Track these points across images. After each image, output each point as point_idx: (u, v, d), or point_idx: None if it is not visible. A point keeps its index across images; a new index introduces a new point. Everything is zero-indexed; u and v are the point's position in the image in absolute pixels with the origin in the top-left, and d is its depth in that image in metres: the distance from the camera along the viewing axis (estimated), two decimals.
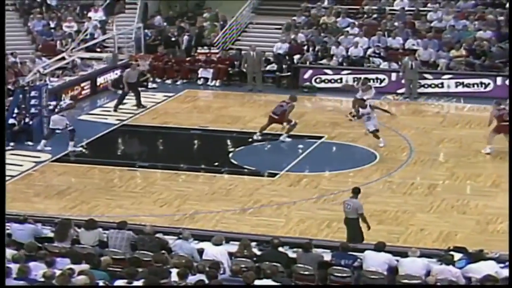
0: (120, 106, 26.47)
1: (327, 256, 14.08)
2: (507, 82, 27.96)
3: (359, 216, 15.85)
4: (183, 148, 23.65)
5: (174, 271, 12.84)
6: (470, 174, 20.26)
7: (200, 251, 14.27)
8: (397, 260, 13.74)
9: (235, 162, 21.64)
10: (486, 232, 16.62)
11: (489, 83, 28.35)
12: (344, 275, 13.67)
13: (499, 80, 28.28)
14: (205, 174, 20.81)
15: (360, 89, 25.66)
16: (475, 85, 28.32)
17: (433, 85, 28.57)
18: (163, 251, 14.01)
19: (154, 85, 29.58)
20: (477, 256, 13.60)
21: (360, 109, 22.63)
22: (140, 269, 12.91)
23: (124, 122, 25.28)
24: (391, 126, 23.89)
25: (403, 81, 28.46)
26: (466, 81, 28.52)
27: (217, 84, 30.13)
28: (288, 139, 23.07)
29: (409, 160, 21.37)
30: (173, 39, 32.31)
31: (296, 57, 30.62)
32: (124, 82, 26.94)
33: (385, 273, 13.64)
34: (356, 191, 16.19)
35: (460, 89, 28.29)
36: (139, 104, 26.84)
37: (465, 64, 29.42)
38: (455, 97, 27.83)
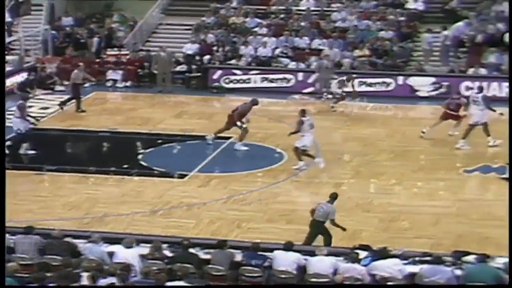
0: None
1: (238, 257, 14.11)
2: (407, 81, 28.56)
3: (327, 221, 15.75)
4: (92, 150, 23.38)
5: (85, 275, 12.70)
6: (374, 173, 20.51)
7: (111, 254, 14.13)
8: (306, 259, 13.84)
9: (145, 164, 21.48)
10: (389, 230, 16.83)
11: (390, 82, 28.92)
12: (255, 275, 13.73)
13: (400, 79, 28.87)
14: (114, 177, 20.54)
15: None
16: (378, 84, 28.84)
17: None
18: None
19: (62, 88, 29.07)
20: (382, 254, 13.83)
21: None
22: (49, 274, 12.72)
23: (31, 126, 24.77)
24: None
25: (317, 81, 28.73)
26: (369, 80, 29.03)
27: (127, 85, 29.91)
28: (244, 148, 22.51)
29: (315, 159, 21.57)
30: (82, 41, 31.91)
31: (206, 57, 30.63)
32: (71, 83, 26.44)
33: (295, 272, 13.76)
34: (333, 197, 16.11)
35: (363, 88, 28.75)
36: (78, 107, 26.39)
37: (368, 63, 29.94)
38: (359, 96, 28.23)
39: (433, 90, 28.67)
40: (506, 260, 13.44)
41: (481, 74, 29.08)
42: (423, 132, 23.31)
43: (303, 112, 20.88)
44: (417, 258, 13.79)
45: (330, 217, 15.69)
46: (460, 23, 31.32)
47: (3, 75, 24.37)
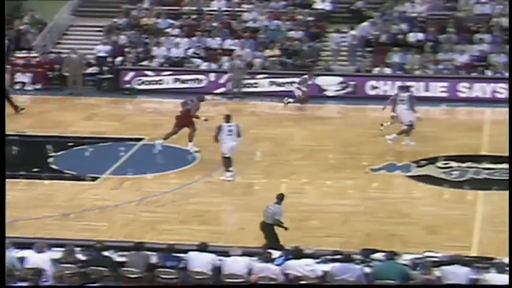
0: None
1: (154, 259, 14.06)
2: (315, 81, 28.84)
3: (274, 222, 15.77)
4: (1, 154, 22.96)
5: None
6: (285, 173, 20.68)
7: (22, 259, 13.89)
8: (220, 260, 13.89)
9: (56, 167, 21.21)
10: (301, 229, 16.93)
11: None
12: (171, 276, 13.74)
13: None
14: (24, 181, 20.22)
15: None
16: (287, 84, 29.12)
17: (248, 85, 29.14)
18: None
19: None
20: (295, 253, 13.99)
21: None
22: None
23: None
24: (209, 126, 24.10)
25: (228, 82, 28.82)
26: (279, 80, 29.27)
27: (37, 88, 29.45)
28: (196, 149, 22.36)
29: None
30: None
31: (118, 59, 30.39)
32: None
33: (210, 273, 13.80)
34: (280, 197, 16.11)
35: (274, 88, 28.98)
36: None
37: (279, 63, 30.19)
38: (269, 96, 28.47)
39: (340, 90, 29.12)
40: (412, 256, 13.80)
41: (385, 73, 29.69)
42: (382, 125, 23.63)
43: (226, 118, 20.39)
44: (328, 257, 13.99)
45: (276, 217, 15.75)
46: (365, 23, 31.91)
47: (3, 75, 24.08)
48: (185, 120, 22.30)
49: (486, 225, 16.98)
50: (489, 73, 29.42)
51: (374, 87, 29.01)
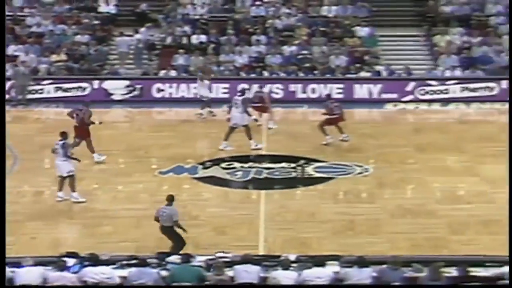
0: None
1: None
2: (103, 85, 28.74)
3: (174, 224, 15.59)
4: None
5: None
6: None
7: None
8: (13, 272, 13.49)
9: None
10: (94, 235, 16.95)
11: (86, 87, 28.97)
12: None
13: (95, 83, 28.99)
14: None
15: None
16: (74, 89, 28.81)
17: (33, 91, 28.56)
18: None
19: None
20: (91, 260, 13.95)
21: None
22: None
23: None
24: None
25: (13, 88, 28.10)
26: (65, 85, 28.89)
27: None
28: (102, 157, 21.77)
29: (14, 168, 21.17)
30: None
31: None
32: None
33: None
34: (170, 199, 15.93)
35: (60, 94, 28.62)
36: None
37: (65, 68, 29.82)
38: (55, 102, 28.01)
39: (127, 93, 29.24)
40: (205, 258, 14.23)
41: (171, 76, 30.15)
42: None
43: (60, 135, 19.21)
44: (124, 262, 14.12)
45: (174, 218, 15.68)
46: (150, 26, 32.16)
47: (3, 76, 23.06)
48: (82, 130, 21.73)
49: (270, 224, 17.66)
50: (266, 74, 30.55)
51: (160, 90, 29.40)
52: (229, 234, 16.91)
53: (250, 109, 23.60)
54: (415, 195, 19.54)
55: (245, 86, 26.94)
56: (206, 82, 27.43)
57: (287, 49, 31.35)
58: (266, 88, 28.09)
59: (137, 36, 31.60)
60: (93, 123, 21.91)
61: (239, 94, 23.88)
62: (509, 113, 26.18)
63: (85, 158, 21.07)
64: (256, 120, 24.29)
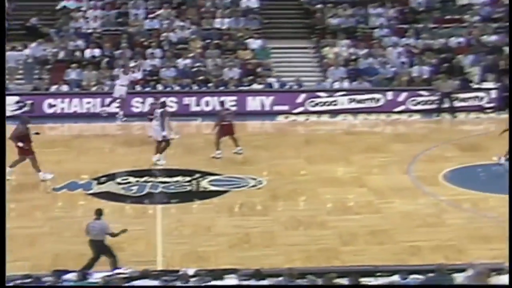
0: None
1: None
2: None
3: (105, 237, 15.30)
4: None
5: None
6: None
7: None
8: None
9: None
10: None
11: None
12: None
13: None
14: None
15: None
16: None
17: None
18: None
19: None
20: None
21: None
22: None
23: None
24: None
25: None
26: None
27: None
28: (49, 176, 21.40)
29: None
30: None
31: None
32: None
33: None
34: (99, 213, 15.64)
35: None
36: None
37: None
38: None
39: (17, 109, 28.65)
40: (103, 274, 14.22)
41: (63, 91, 29.79)
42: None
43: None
44: (18, 282, 13.95)
45: (107, 231, 15.44)
46: (41, 40, 31.74)
47: (3, 76, 22.39)
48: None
49: (167, 238, 17.74)
50: (160, 87, 30.56)
51: (52, 105, 29.02)
52: (127, 250, 16.82)
53: (169, 124, 23.57)
54: (307, 206, 19.98)
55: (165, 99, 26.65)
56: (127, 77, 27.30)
57: (181, 62, 31.47)
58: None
59: (27, 51, 31.10)
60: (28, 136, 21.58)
61: (159, 107, 23.83)
62: (509, 113, 26.57)
63: None
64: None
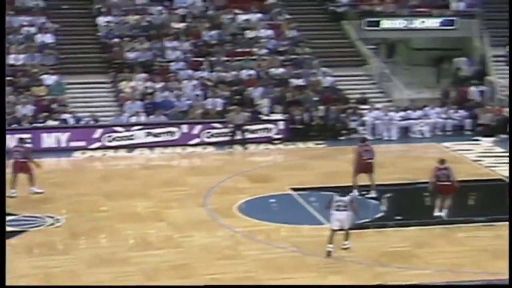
0: None
1: None
2: None
3: None
4: None
5: None
6: None
7: None
8: None
9: None
10: None
11: None
12: None
13: None
14: None
15: None
16: None
17: None
18: None
19: None
20: None
21: None
22: None
23: None
24: None
25: None
26: None
27: None
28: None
29: None
30: None
31: None
32: None
33: None
34: None
35: None
36: None
37: None
38: None
39: None
40: None
41: None
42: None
43: None
44: None
45: None
46: None
47: (3, 76, 22.53)
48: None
49: None
50: None
51: None
52: None
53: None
54: (109, 243, 20.08)
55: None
56: None
57: None
58: None
59: None
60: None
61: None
62: (509, 113, 27.70)
63: None
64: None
